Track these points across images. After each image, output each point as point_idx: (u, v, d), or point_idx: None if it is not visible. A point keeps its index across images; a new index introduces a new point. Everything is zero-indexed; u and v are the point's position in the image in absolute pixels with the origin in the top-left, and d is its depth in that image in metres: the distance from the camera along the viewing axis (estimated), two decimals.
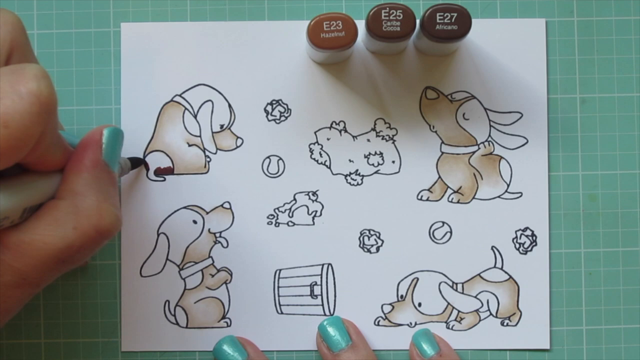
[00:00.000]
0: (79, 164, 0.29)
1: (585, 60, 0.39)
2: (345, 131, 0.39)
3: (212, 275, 0.39)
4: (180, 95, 0.39)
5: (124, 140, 0.32)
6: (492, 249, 0.39)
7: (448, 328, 0.39)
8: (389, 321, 0.39)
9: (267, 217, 0.39)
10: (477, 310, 0.39)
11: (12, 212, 0.27)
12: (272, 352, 0.39)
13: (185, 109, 0.39)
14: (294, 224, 0.39)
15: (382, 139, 0.39)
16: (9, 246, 0.27)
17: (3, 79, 0.25)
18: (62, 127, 0.35)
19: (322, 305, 0.39)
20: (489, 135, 0.39)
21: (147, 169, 0.39)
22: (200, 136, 0.39)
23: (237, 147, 0.39)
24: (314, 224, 0.39)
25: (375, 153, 0.39)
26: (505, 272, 0.39)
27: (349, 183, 0.39)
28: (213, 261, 0.39)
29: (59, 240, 0.27)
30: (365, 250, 0.39)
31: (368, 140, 0.39)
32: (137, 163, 0.38)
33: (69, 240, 0.27)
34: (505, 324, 0.39)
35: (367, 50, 0.39)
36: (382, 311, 0.39)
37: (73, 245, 0.27)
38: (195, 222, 0.39)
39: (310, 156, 0.39)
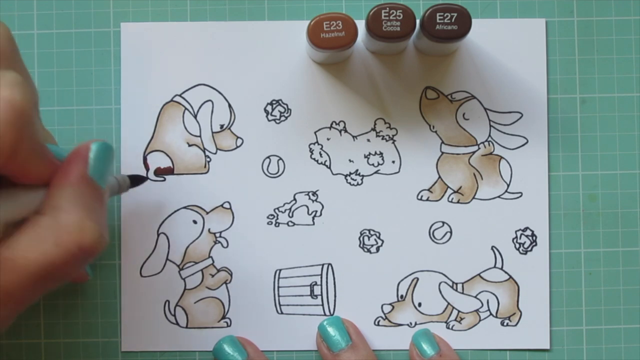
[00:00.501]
0: (63, 178, 0.28)
1: (585, 60, 0.39)
2: (345, 131, 0.39)
3: (212, 275, 0.39)
4: (180, 95, 0.39)
5: (114, 156, 0.31)
6: (492, 249, 0.39)
7: (448, 328, 0.39)
8: (389, 321, 0.39)
9: (267, 217, 0.39)
10: (477, 310, 0.39)
11: None
12: (272, 352, 0.39)
13: (185, 109, 0.39)
14: (294, 224, 0.39)
15: (382, 139, 0.39)
16: None
17: None
18: (54, 141, 0.35)
19: (322, 305, 0.39)
20: (489, 135, 0.39)
21: (147, 174, 0.39)
22: (200, 136, 0.39)
23: (237, 147, 0.39)
24: (314, 224, 0.39)
25: (375, 153, 0.39)
26: (505, 272, 0.39)
27: (349, 183, 0.39)
28: (213, 261, 0.39)
29: (41, 257, 0.26)
30: (365, 250, 0.39)
31: (368, 140, 0.39)
32: (138, 181, 0.37)
33: (51, 257, 0.26)
34: (505, 324, 0.39)
35: (367, 50, 0.39)
36: (382, 311, 0.39)
37: (54, 261, 0.26)
38: (195, 222, 0.39)
39: (310, 156, 0.39)
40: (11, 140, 0.24)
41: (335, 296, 0.39)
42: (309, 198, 0.39)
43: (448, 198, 0.39)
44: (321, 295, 0.39)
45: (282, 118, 0.39)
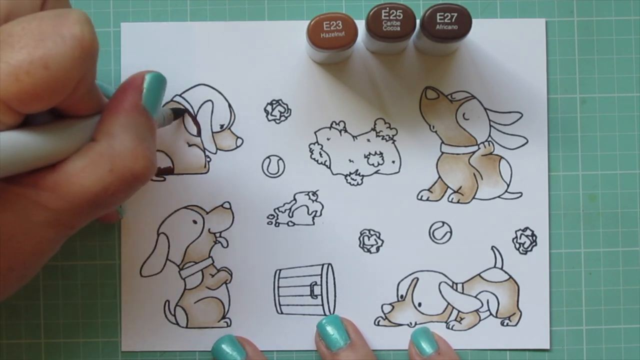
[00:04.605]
0: (118, 106, 0.28)
1: (585, 60, 0.39)
2: (345, 131, 0.39)
3: (212, 275, 0.39)
4: (180, 95, 0.39)
5: (166, 87, 0.31)
6: (492, 249, 0.39)
7: (448, 328, 0.39)
8: (389, 321, 0.39)
9: (267, 217, 0.39)
10: (477, 310, 0.39)
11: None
12: (272, 352, 0.39)
13: (186, 108, 0.39)
14: (294, 224, 0.39)
15: (382, 139, 0.39)
16: (44, 188, 0.26)
17: (46, 22, 0.25)
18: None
19: (322, 305, 0.39)
20: (489, 135, 0.39)
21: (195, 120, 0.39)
22: (200, 136, 0.39)
23: (237, 147, 0.39)
24: (314, 224, 0.39)
25: (375, 153, 0.39)
26: (505, 272, 0.39)
27: (349, 183, 0.39)
28: (213, 261, 0.39)
29: (96, 183, 0.27)
30: (365, 250, 0.39)
31: (368, 140, 0.39)
32: (179, 113, 0.38)
33: (106, 183, 0.27)
34: (505, 324, 0.39)
35: (367, 50, 0.39)
36: (382, 311, 0.39)
37: (109, 187, 0.27)
38: (195, 222, 0.39)
39: (310, 156, 0.39)
40: (76, 76, 0.25)
41: (335, 296, 0.39)
42: (309, 198, 0.39)
43: (448, 198, 0.39)
44: (321, 295, 0.39)
45: (282, 118, 0.39)
